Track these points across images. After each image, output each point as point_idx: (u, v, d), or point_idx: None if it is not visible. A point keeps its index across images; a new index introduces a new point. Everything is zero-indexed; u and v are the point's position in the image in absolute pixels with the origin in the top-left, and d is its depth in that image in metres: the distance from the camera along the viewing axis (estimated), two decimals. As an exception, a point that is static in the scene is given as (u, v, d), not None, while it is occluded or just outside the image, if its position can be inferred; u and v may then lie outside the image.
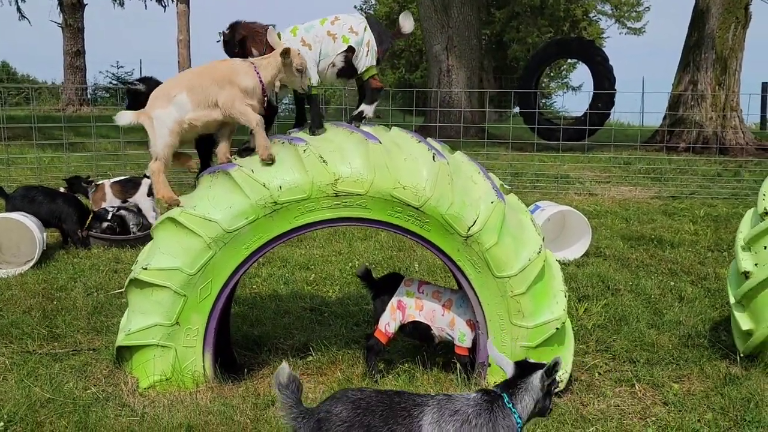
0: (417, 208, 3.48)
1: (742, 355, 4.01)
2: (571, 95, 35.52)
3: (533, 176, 10.91)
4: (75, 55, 22.12)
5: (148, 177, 7.47)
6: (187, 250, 3.52)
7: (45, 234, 6.20)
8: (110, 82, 30.46)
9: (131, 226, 6.99)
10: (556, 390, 3.68)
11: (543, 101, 34.99)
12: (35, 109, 16.46)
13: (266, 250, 3.59)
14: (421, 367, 3.92)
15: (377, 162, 3.48)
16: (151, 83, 3.87)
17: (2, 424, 3.15)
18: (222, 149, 3.67)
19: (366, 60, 3.74)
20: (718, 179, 10.85)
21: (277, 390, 2.43)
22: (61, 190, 7.28)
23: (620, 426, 3.37)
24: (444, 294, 3.92)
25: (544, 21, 33.58)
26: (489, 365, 3.72)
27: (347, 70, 3.77)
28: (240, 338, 4.43)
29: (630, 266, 6.18)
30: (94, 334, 4.45)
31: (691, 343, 4.42)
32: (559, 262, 6.09)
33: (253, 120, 3.51)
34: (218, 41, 3.86)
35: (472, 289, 3.63)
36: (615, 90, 15.51)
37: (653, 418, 3.47)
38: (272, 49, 3.62)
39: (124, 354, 3.71)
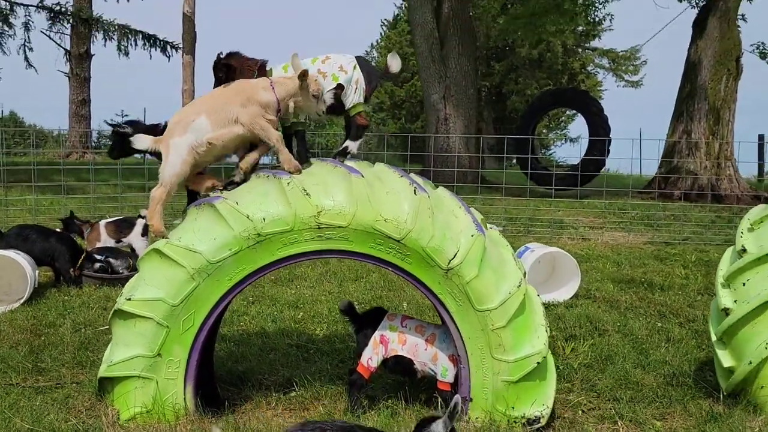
0: (398, 241, 3.53)
1: (725, 393, 4.01)
2: (569, 146, 35.92)
3: (527, 221, 10.99)
4: (80, 104, 22.55)
5: (142, 217, 7.57)
6: (171, 281, 3.56)
7: (37, 272, 6.25)
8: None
9: (120, 271, 7.00)
10: (538, 426, 3.70)
11: (542, 151, 35.40)
12: (38, 155, 16.69)
13: (249, 281, 3.63)
14: (403, 403, 3.91)
15: (359, 195, 3.56)
16: (138, 126, 3.97)
17: (-21, 453, 3.15)
18: (247, 159, 3.74)
19: (354, 97, 3.86)
20: (712, 226, 10.91)
21: None
22: (57, 230, 7.36)
23: (600, 461, 3.36)
24: (427, 329, 3.94)
25: (543, 73, 34.26)
26: (471, 400, 3.71)
27: (336, 106, 3.89)
28: (224, 374, 4.43)
29: (619, 308, 6.20)
30: (79, 368, 4.46)
31: (676, 382, 4.42)
32: (548, 303, 6.18)
33: (273, 136, 3.61)
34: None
35: (453, 322, 3.65)
36: (610, 138, 15.73)
37: (634, 454, 3.46)
38: None
39: (106, 385, 3.72)
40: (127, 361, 3.60)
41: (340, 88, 3.81)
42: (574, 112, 29.05)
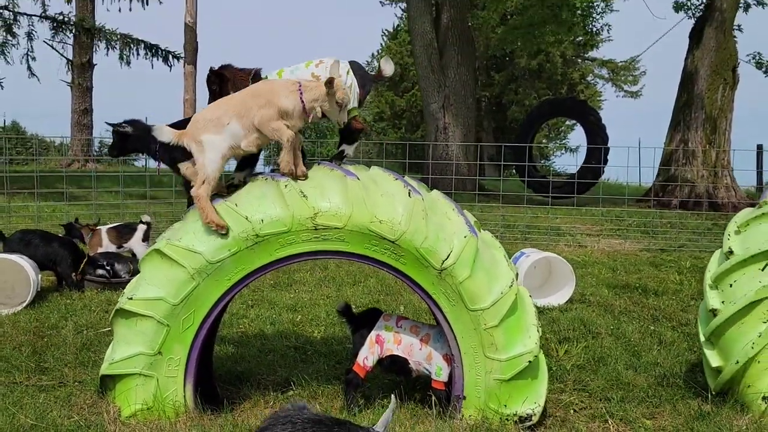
0: (393, 242, 3.63)
1: (713, 392, 4.09)
2: (569, 156, 36.05)
3: (525, 228, 11.08)
4: (83, 113, 22.69)
5: (143, 223, 7.68)
6: (172, 281, 3.65)
7: (40, 276, 6.34)
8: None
9: (122, 275, 7.10)
10: (529, 424, 3.78)
11: (542, 161, 35.52)
12: (40, 163, 16.82)
13: (248, 281, 3.73)
14: (398, 401, 4.00)
15: (355, 197, 3.65)
16: (138, 126, 4.07)
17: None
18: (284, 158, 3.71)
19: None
20: (708, 233, 11.01)
21: None
22: (60, 235, 7.45)
23: (589, 456, 3.44)
24: (422, 329, 4.03)
25: (542, 83, 34.45)
26: (464, 398, 3.80)
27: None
28: (223, 373, 4.52)
29: (613, 312, 6.28)
30: (81, 368, 4.54)
31: (666, 383, 4.51)
32: (543, 307, 6.27)
33: (285, 136, 3.59)
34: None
35: (447, 322, 3.74)
36: (607, 146, 15.87)
37: (622, 450, 3.54)
38: None
39: (107, 383, 3.81)
40: (128, 359, 3.69)
41: None
42: (573, 122, 29.26)
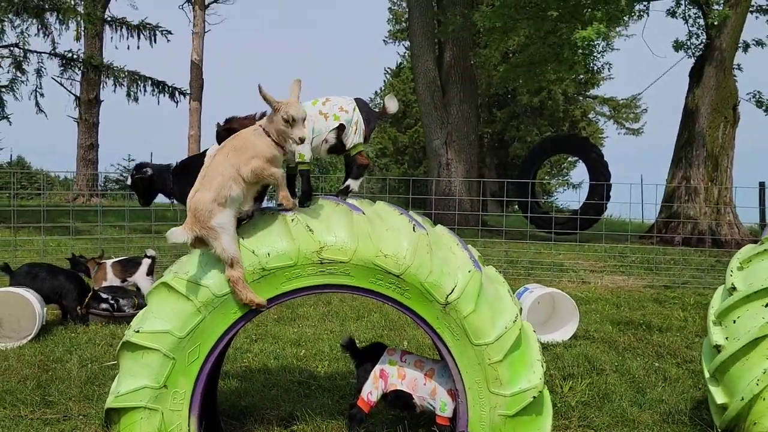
0: (397, 276, 3.66)
1: (719, 429, 4.07)
2: (572, 192, 36.14)
3: (528, 264, 11.10)
4: (88, 149, 22.93)
5: (148, 257, 7.72)
6: (178, 314, 3.67)
7: (45, 309, 6.37)
8: (121, 175, 31.33)
9: (126, 309, 7.11)
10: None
11: (544, 198, 35.62)
12: (46, 198, 16.93)
13: (254, 315, 3.75)
14: (403, 438, 3.99)
15: (360, 232, 3.70)
16: (153, 167, 4.14)
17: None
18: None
19: (354, 137, 4.00)
20: (711, 270, 11.00)
21: None
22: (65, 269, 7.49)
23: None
24: (426, 363, 4.04)
25: (544, 121, 34.73)
26: (468, 434, 3.78)
27: (338, 146, 4.03)
28: (228, 407, 4.51)
29: (617, 348, 6.27)
30: (86, 401, 4.54)
31: (672, 420, 4.48)
32: (547, 343, 6.27)
33: (278, 177, 3.62)
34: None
35: (451, 356, 3.75)
36: (610, 183, 15.95)
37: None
38: None
39: (112, 416, 3.80)
40: (133, 392, 3.69)
41: (341, 128, 3.96)
42: (576, 158, 29.41)
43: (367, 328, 6.80)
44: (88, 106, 22.81)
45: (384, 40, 37.11)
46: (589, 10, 14.68)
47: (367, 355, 4.11)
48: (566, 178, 40.24)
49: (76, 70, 22.48)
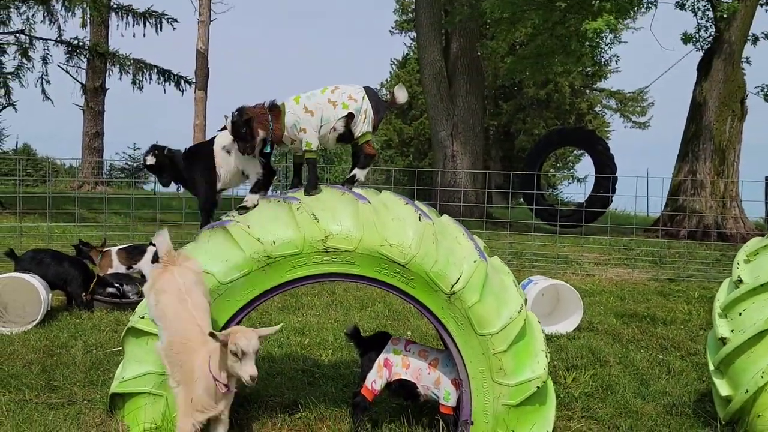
0: (403, 265, 3.66)
1: (723, 422, 4.07)
2: (577, 186, 36.04)
3: (532, 256, 11.08)
4: (94, 137, 22.95)
5: (153, 244, 7.73)
6: (183, 301, 3.68)
7: (50, 295, 6.39)
8: (126, 163, 31.41)
9: (131, 296, 7.14)
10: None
11: (549, 190, 35.55)
12: (51, 185, 16.97)
13: (259, 302, 3.76)
14: (406, 426, 3.99)
15: (366, 221, 3.69)
16: (164, 150, 4.14)
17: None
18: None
19: (363, 126, 3.98)
20: (716, 264, 10.98)
21: None
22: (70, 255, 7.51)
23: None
24: (430, 353, 4.04)
25: (550, 113, 34.59)
26: (472, 423, 3.79)
27: (346, 135, 4.02)
28: (231, 395, 4.52)
29: (621, 340, 6.27)
30: (90, 387, 4.57)
31: (675, 412, 4.49)
32: (551, 335, 6.26)
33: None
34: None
35: (456, 346, 3.75)
36: (615, 175, 15.91)
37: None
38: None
39: (117, 402, 3.83)
40: (138, 378, 3.71)
41: (350, 116, 3.94)
42: (582, 151, 29.31)
43: (372, 317, 6.81)
44: (94, 94, 22.82)
45: (390, 31, 37.01)
46: (598, 1, 14.59)
47: (371, 345, 4.11)
48: (571, 171, 40.15)
49: (82, 57, 22.46)
